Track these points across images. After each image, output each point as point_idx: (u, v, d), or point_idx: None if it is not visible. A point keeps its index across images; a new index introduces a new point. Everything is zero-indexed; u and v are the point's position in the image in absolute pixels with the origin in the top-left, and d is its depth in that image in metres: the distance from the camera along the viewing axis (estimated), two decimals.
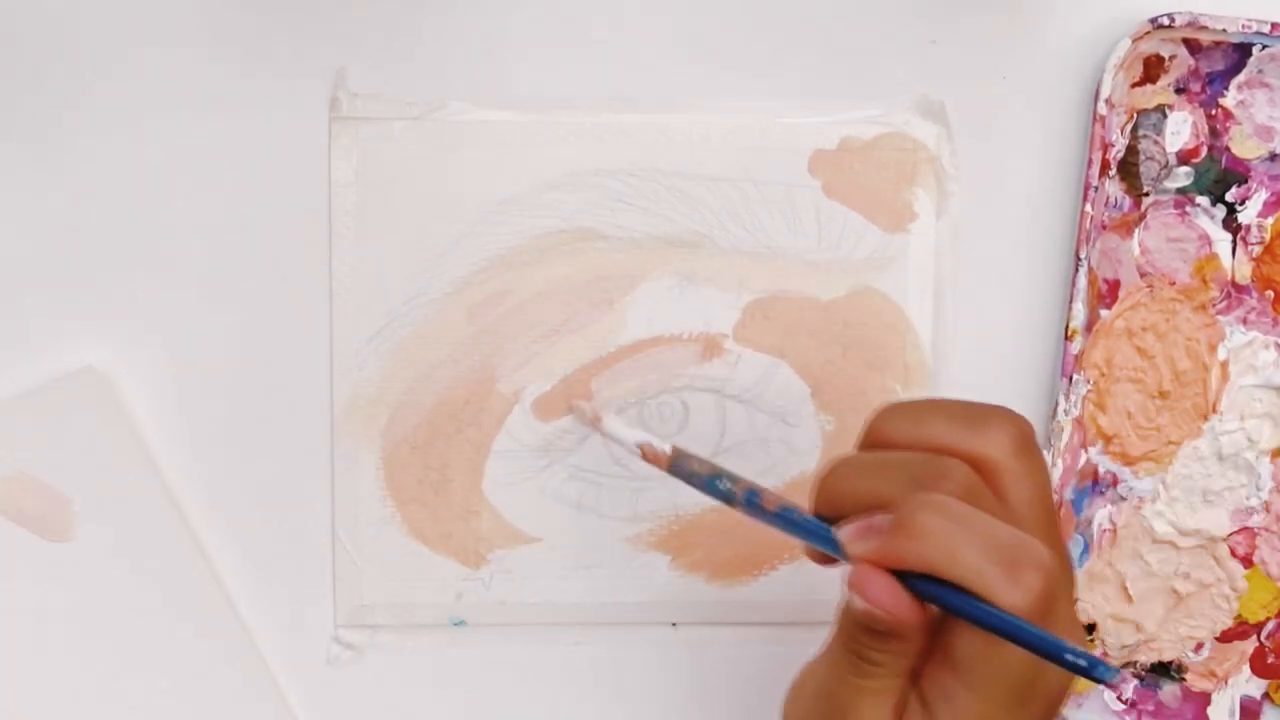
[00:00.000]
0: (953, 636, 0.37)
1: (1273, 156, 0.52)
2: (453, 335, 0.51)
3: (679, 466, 0.43)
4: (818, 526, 0.40)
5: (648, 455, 0.44)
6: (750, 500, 0.41)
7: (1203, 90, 0.51)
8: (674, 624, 0.53)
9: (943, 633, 0.38)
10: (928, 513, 0.37)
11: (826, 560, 0.40)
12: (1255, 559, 0.54)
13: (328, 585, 0.52)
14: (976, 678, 0.37)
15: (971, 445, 0.38)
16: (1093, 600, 0.53)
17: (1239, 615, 0.54)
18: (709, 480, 0.42)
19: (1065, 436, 0.52)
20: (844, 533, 0.38)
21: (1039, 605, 0.36)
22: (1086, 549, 0.53)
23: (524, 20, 0.50)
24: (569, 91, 0.50)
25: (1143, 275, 0.52)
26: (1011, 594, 0.36)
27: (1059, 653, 0.35)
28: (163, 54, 0.49)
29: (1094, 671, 0.36)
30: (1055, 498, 0.52)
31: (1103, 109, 0.50)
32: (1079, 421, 0.52)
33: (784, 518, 0.40)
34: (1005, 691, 0.37)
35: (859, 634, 0.38)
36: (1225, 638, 0.54)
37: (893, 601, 0.37)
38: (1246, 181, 0.52)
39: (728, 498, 0.42)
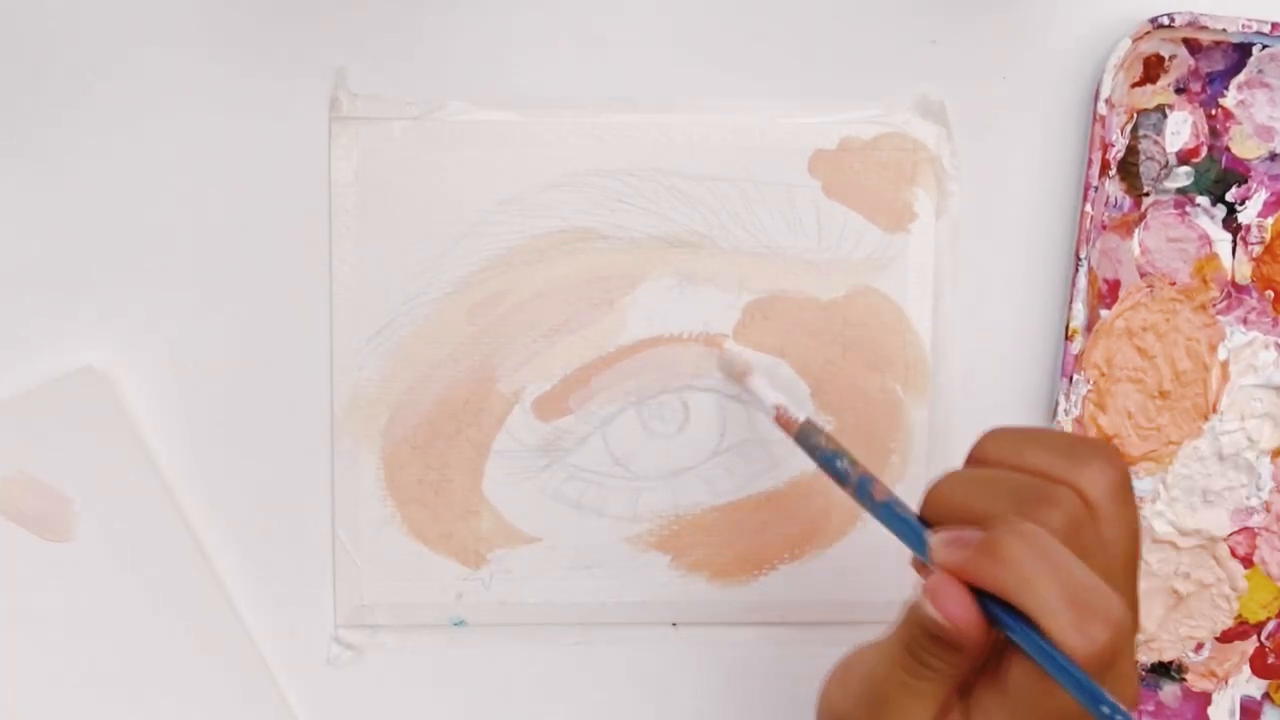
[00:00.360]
0: (1010, 663, 0.38)
1: (1273, 156, 0.52)
2: (453, 335, 0.51)
3: (806, 437, 0.45)
4: (915, 526, 0.40)
5: (781, 419, 0.46)
6: (862, 486, 0.42)
7: (1203, 90, 0.52)
8: (674, 624, 0.53)
9: (1002, 655, 0.38)
10: (1017, 540, 0.37)
11: (923, 568, 0.40)
12: (1255, 559, 0.54)
13: (328, 585, 0.52)
14: (1021, 709, 0.37)
15: (1074, 479, 0.39)
16: None
17: (1239, 615, 0.54)
18: (830, 456, 0.44)
19: None
20: (935, 538, 0.39)
21: (1100, 658, 0.36)
22: None
23: (524, 20, 0.50)
24: (569, 91, 0.50)
25: (1143, 275, 0.52)
26: (1076, 640, 0.36)
27: (1097, 705, 0.36)
28: (163, 54, 0.49)
29: None
30: None
31: (1103, 109, 0.50)
32: (1079, 421, 0.52)
33: (887, 509, 0.41)
34: None
35: (921, 636, 0.38)
36: (1225, 638, 0.54)
37: (961, 615, 0.37)
38: (1246, 181, 0.52)
39: (842, 477, 0.43)
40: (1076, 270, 0.51)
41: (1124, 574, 0.39)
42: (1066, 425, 0.52)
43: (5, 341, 0.50)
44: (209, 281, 0.50)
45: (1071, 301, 0.51)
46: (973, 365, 0.52)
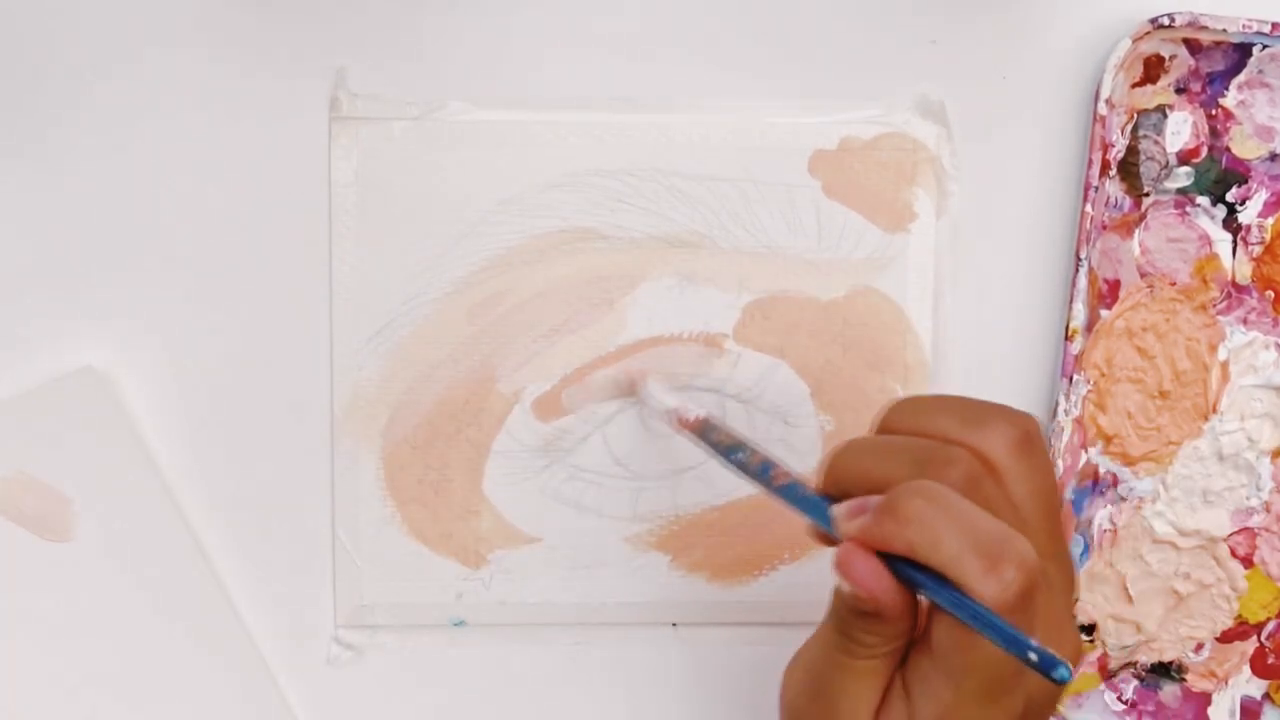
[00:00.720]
0: (934, 625, 0.38)
1: (1273, 156, 0.52)
2: (453, 335, 0.51)
3: (706, 434, 0.46)
4: (818, 502, 0.40)
5: (681, 421, 0.47)
6: (763, 472, 0.42)
7: (1203, 90, 0.51)
8: (674, 624, 0.53)
9: (929, 621, 0.38)
10: (916, 498, 0.37)
11: (829, 540, 0.40)
12: (1255, 559, 0.54)
13: (328, 585, 0.52)
14: (952, 667, 0.37)
15: (973, 441, 0.39)
16: (1093, 600, 0.53)
17: (1239, 615, 0.54)
18: (730, 450, 0.44)
19: (1065, 437, 0.52)
20: (837, 509, 0.39)
21: (1015, 601, 0.36)
22: (1087, 549, 0.53)
23: (524, 20, 0.50)
24: (569, 91, 0.50)
25: (1143, 275, 0.52)
26: (987, 586, 0.36)
27: (1022, 650, 0.36)
28: (163, 54, 0.49)
29: (1050, 671, 0.35)
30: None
31: (1103, 109, 0.50)
32: (1079, 422, 0.52)
33: (789, 491, 0.41)
34: (978, 684, 0.37)
35: (846, 614, 0.38)
36: (1225, 638, 0.54)
37: (874, 582, 0.37)
38: (1247, 182, 0.52)
39: (743, 468, 0.43)
40: (1077, 270, 0.51)
41: (1043, 525, 0.39)
42: (1067, 425, 0.52)
43: (5, 341, 0.50)
44: (209, 281, 0.50)
45: (1071, 301, 0.51)
46: (973, 365, 0.52)
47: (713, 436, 0.45)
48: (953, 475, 0.38)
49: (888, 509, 0.37)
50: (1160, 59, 0.51)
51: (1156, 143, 0.52)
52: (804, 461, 0.52)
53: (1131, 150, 0.52)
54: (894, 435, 0.40)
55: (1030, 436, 0.40)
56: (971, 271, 0.52)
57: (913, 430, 0.40)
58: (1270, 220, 0.52)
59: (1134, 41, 0.50)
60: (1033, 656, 0.35)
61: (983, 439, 0.39)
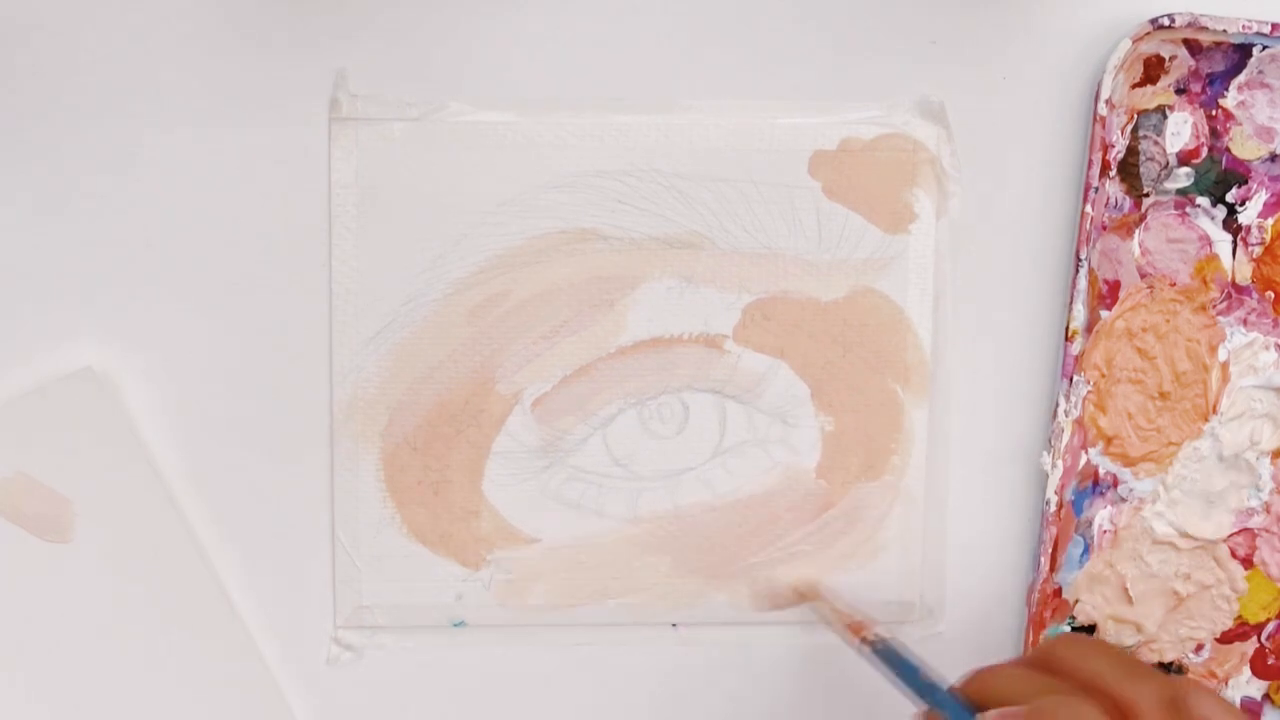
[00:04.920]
0: None
1: (1273, 157, 0.52)
2: (453, 336, 0.51)
3: (885, 653, 0.47)
4: (964, 711, 0.43)
5: (863, 638, 0.48)
6: (930, 692, 0.44)
7: (1203, 91, 0.51)
8: (674, 624, 0.53)
9: None
10: (1064, 709, 0.40)
11: None
12: (1255, 560, 0.54)
13: (328, 585, 0.52)
14: None
15: (1124, 691, 0.41)
16: (1093, 601, 0.53)
17: (1239, 616, 0.54)
18: (909, 670, 0.46)
19: (1065, 437, 0.52)
20: (988, 715, 0.42)
21: None
22: (1087, 550, 0.53)
23: (524, 20, 0.50)
24: (569, 92, 0.50)
25: (1143, 276, 0.52)
26: None
27: None
28: (163, 54, 0.49)
29: None
30: (1055, 499, 0.52)
31: (1103, 110, 0.50)
32: (1079, 422, 0.52)
33: (941, 699, 0.44)
34: None
35: None
36: (1225, 639, 0.54)
37: None
38: (1247, 182, 0.52)
39: (924, 691, 0.45)
40: (1077, 271, 0.51)
41: None
42: (1066, 426, 0.52)
43: (5, 341, 0.50)
44: (209, 282, 0.50)
45: (1072, 302, 0.51)
46: (973, 365, 0.52)
47: (895, 656, 0.46)
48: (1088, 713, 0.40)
49: (1034, 713, 0.40)
50: (1160, 59, 0.51)
51: (1156, 143, 0.52)
52: (804, 461, 0.52)
53: (1131, 151, 0.51)
54: (1043, 674, 0.43)
55: (1180, 702, 0.41)
56: (971, 272, 0.52)
57: (1068, 666, 0.43)
58: (1270, 221, 0.52)
59: (1134, 42, 0.50)
60: None
61: (1135, 691, 0.41)
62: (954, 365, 0.52)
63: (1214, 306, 0.53)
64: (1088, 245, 0.51)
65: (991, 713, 0.42)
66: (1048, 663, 0.43)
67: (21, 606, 0.50)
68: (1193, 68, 0.51)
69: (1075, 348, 0.51)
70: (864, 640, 0.47)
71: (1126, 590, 0.53)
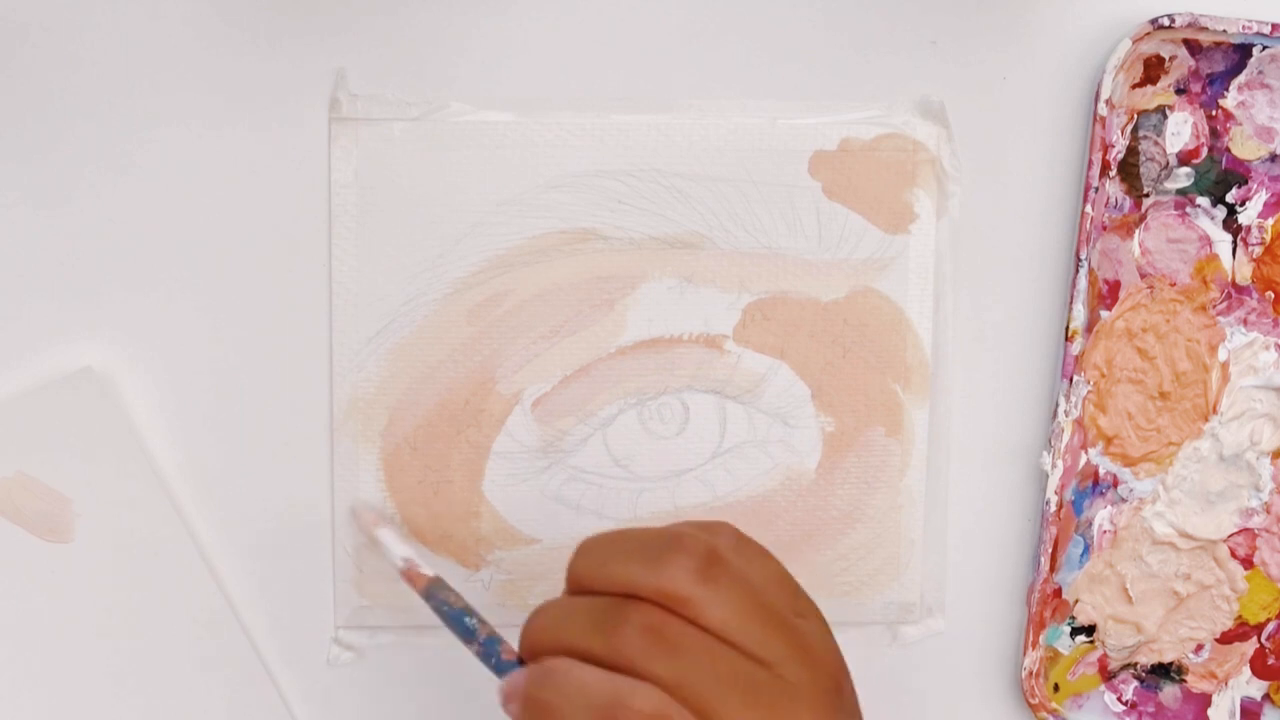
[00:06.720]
0: None
1: (1273, 157, 0.52)
2: (453, 336, 0.51)
3: (433, 594, 0.46)
4: (512, 667, 0.43)
5: (408, 575, 0.47)
6: (489, 647, 0.44)
7: (1203, 91, 0.51)
8: None
9: None
10: (544, 690, 0.39)
11: None
12: (1255, 560, 0.54)
13: (328, 586, 0.52)
14: None
15: (654, 583, 0.39)
16: (1093, 601, 0.54)
17: (1239, 616, 0.54)
18: (458, 614, 0.45)
19: (1065, 437, 0.52)
20: (500, 686, 0.42)
21: None
22: (1086, 550, 0.53)
23: (524, 20, 0.50)
24: (569, 92, 0.50)
25: (1143, 276, 0.52)
26: None
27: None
28: (162, 55, 0.49)
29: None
30: (1055, 500, 0.52)
31: (1103, 110, 0.50)
32: (1079, 423, 0.52)
33: (508, 667, 0.43)
34: None
35: None
36: (1225, 639, 0.54)
37: None
38: (1247, 182, 0.52)
39: (468, 635, 0.44)
40: (1077, 271, 0.51)
41: (755, 641, 0.40)
42: (1066, 426, 0.52)
43: (5, 341, 0.50)
44: (209, 282, 0.50)
45: (1072, 302, 0.51)
46: (973, 365, 0.52)
47: (440, 596, 0.46)
48: (628, 634, 0.39)
49: (528, 702, 0.40)
50: (1160, 59, 0.51)
51: (1156, 143, 0.52)
52: (804, 462, 0.52)
53: (1131, 151, 0.51)
54: (578, 596, 0.41)
55: (713, 557, 0.40)
56: (971, 272, 0.52)
57: (596, 582, 0.41)
58: (1270, 221, 0.52)
59: (1134, 42, 0.50)
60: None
61: (664, 577, 0.39)
62: (954, 365, 0.52)
63: (1214, 306, 0.53)
64: (1088, 245, 0.51)
65: (502, 684, 0.42)
66: (580, 583, 0.41)
67: (21, 606, 0.50)
68: (1193, 68, 0.51)
69: (1075, 348, 0.51)
70: (411, 579, 0.47)
71: (1126, 590, 0.53)
